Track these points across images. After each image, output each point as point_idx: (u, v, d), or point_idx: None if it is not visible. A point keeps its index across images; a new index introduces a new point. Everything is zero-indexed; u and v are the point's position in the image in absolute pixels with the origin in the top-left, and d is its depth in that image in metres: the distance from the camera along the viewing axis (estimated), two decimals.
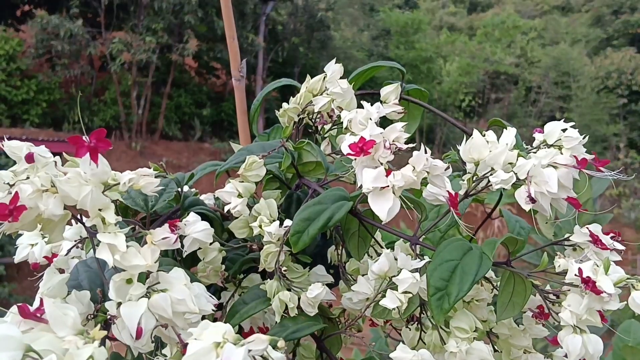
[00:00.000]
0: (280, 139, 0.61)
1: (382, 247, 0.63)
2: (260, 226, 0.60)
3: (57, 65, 13.56)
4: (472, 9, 25.14)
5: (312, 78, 0.83)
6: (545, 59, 16.65)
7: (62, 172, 0.40)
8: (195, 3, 13.00)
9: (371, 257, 0.66)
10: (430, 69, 15.36)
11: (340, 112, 0.67)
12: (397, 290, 0.50)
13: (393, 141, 0.47)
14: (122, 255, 0.39)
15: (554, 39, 19.17)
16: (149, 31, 13.18)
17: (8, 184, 0.39)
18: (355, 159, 0.47)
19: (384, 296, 0.52)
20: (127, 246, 0.40)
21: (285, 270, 0.58)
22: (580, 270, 0.45)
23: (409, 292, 0.50)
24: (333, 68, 0.59)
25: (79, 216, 0.43)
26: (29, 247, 0.68)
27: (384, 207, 0.45)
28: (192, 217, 0.59)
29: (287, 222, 0.60)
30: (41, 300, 0.37)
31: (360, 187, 0.49)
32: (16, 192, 0.38)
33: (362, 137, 0.46)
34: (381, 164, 0.47)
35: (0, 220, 0.38)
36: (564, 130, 0.55)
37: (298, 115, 0.61)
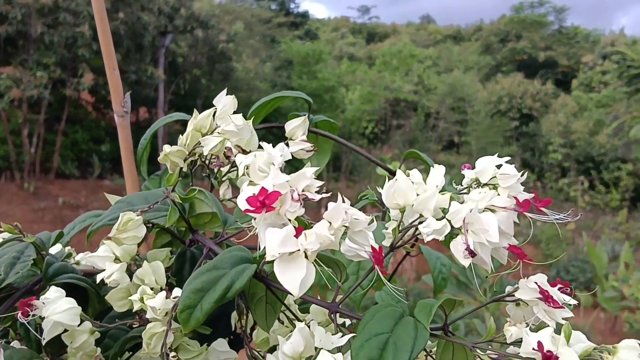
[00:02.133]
0: (166, 188, 0.50)
1: (293, 313, 0.53)
2: (141, 300, 0.48)
3: None
4: (370, 39, 25.92)
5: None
6: (441, 86, 17.33)
7: None
8: (90, 36, 12.51)
9: (282, 322, 0.56)
10: (333, 97, 15.54)
11: (238, 151, 0.57)
12: None
13: (303, 191, 0.37)
14: None
15: (448, 66, 20.02)
16: (39, 66, 12.55)
17: None
18: (255, 217, 0.37)
19: None
20: None
21: (174, 357, 0.46)
22: (540, 344, 0.36)
23: None
24: (224, 101, 0.48)
25: None
26: None
27: (294, 278, 0.35)
28: (53, 292, 0.47)
29: (177, 292, 0.49)
30: None
31: (264, 250, 0.39)
32: None
33: (263, 187, 0.36)
34: (289, 220, 0.37)
35: None
36: (498, 166, 0.47)
37: (185, 160, 0.50)
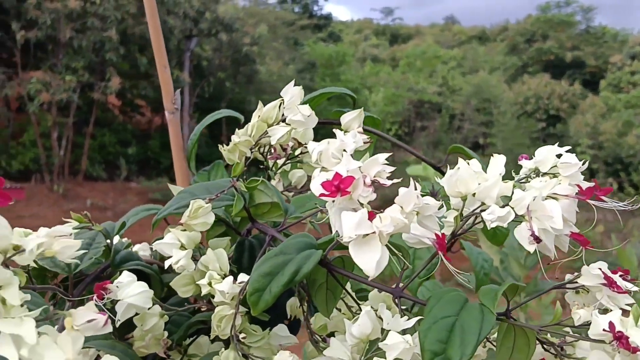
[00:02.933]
0: (230, 177, 0.52)
1: (354, 299, 0.54)
2: (209, 284, 0.50)
3: None
4: (394, 40, 25.87)
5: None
6: (465, 87, 17.23)
7: None
8: (117, 40, 12.70)
9: (339, 310, 0.57)
10: (357, 99, 15.54)
11: (294, 144, 0.58)
12: (384, 357, 0.41)
13: (375, 176, 0.38)
14: (30, 349, 0.28)
15: (473, 67, 19.89)
16: (68, 70, 12.76)
17: None
18: (329, 201, 0.39)
19: None
20: (39, 334, 0.29)
21: (244, 338, 0.48)
22: (611, 324, 0.37)
23: None
24: (291, 92, 0.50)
25: None
26: None
27: (370, 259, 0.37)
28: (126, 277, 0.49)
29: (242, 277, 0.50)
30: None
31: (337, 234, 0.40)
32: None
33: (337, 173, 0.37)
34: (362, 205, 0.38)
35: None
36: (558, 155, 0.48)
37: (251, 150, 0.52)
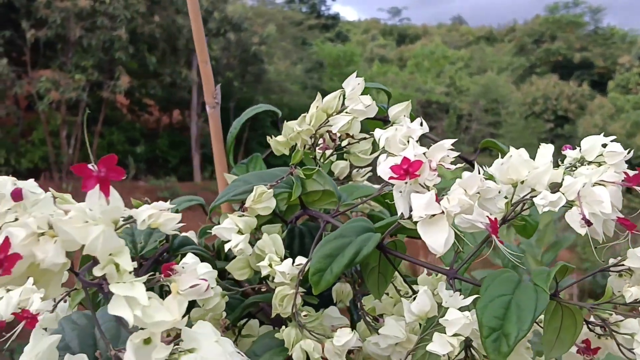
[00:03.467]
0: (290, 166, 0.54)
1: (407, 282, 0.57)
2: (270, 265, 0.52)
3: None
4: (401, 41, 25.87)
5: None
6: (473, 87, 17.23)
7: (62, 209, 0.32)
8: (126, 39, 12.76)
9: (387, 294, 0.60)
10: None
11: (342, 135, 0.61)
12: (444, 332, 0.44)
13: (440, 161, 0.41)
14: (143, 311, 0.31)
15: (480, 67, 19.88)
16: (78, 69, 12.83)
17: None
18: (395, 184, 0.41)
19: (426, 340, 0.45)
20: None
21: (305, 315, 0.50)
22: None
23: (460, 335, 0.43)
24: (353, 83, 0.52)
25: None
26: None
27: (439, 238, 0.39)
28: (190, 258, 0.51)
29: (300, 260, 0.53)
30: None
31: (402, 216, 0.43)
32: (6, 238, 0.30)
33: (405, 157, 0.40)
34: (427, 188, 0.41)
35: None
36: (604, 145, 0.51)
37: (311, 138, 0.55)
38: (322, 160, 0.64)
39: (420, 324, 0.54)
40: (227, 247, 0.55)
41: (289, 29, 19.02)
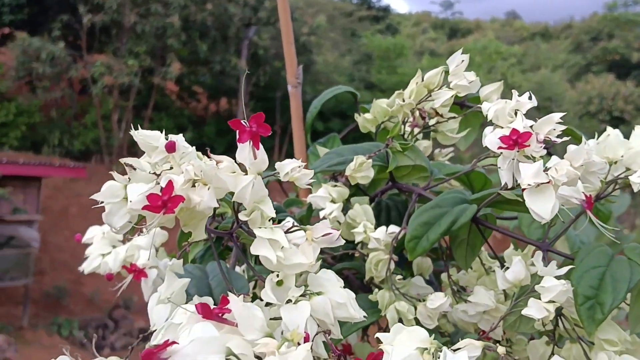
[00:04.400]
0: (380, 141, 0.57)
1: (493, 252, 0.59)
2: (365, 232, 0.55)
3: (38, 88, 13.37)
4: (452, 35, 25.54)
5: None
6: (525, 85, 16.88)
7: (215, 160, 0.35)
8: (179, 26, 12.98)
9: (471, 268, 0.62)
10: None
11: (431, 114, 0.63)
12: (538, 298, 0.46)
13: (547, 134, 0.43)
14: (284, 252, 0.34)
15: (534, 64, 19.47)
16: (131, 54, 13.10)
17: (155, 173, 0.35)
18: (502, 154, 0.43)
19: (519, 306, 0.47)
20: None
21: (400, 279, 0.53)
22: None
23: (555, 302, 0.46)
24: (457, 60, 0.55)
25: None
26: (100, 257, 0.64)
27: (546, 206, 0.42)
28: (288, 223, 0.55)
29: (393, 228, 0.56)
30: (224, 299, 0.32)
31: (504, 187, 0.45)
32: (170, 181, 0.33)
33: (514, 129, 0.42)
34: (534, 159, 0.43)
35: (154, 213, 0.33)
36: None
37: (411, 112, 0.58)
38: (410, 137, 0.67)
39: (505, 295, 0.57)
40: (322, 214, 0.58)
41: (339, 20, 19.01)
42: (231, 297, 0.31)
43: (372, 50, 17.68)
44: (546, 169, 0.42)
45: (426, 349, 0.31)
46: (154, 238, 0.66)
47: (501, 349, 0.37)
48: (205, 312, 0.30)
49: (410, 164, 0.61)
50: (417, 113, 0.63)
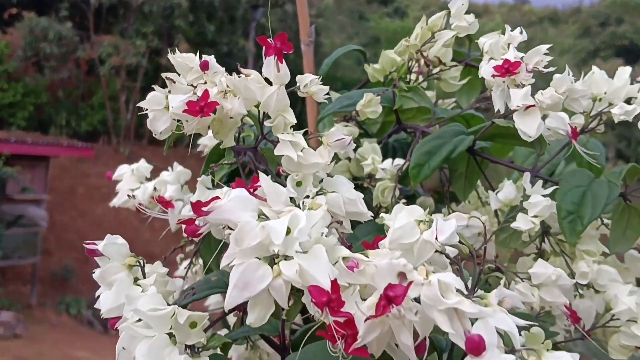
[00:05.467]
0: (395, 79, 0.63)
1: (490, 186, 0.65)
2: (373, 163, 0.61)
3: (45, 68, 13.40)
4: None
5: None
6: None
7: (244, 73, 0.41)
8: (186, 7, 12.98)
9: (469, 201, 0.68)
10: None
11: (435, 62, 0.69)
12: (526, 213, 0.52)
13: (535, 65, 0.48)
14: (304, 152, 0.40)
15: None
16: (138, 35, 13.11)
17: (192, 85, 0.40)
18: (495, 82, 0.49)
19: (509, 222, 0.53)
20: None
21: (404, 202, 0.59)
22: None
23: (541, 216, 0.51)
24: (458, 3, 0.60)
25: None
26: (130, 191, 0.70)
27: (532, 125, 0.47)
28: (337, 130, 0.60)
29: (398, 161, 0.62)
30: (254, 177, 0.38)
31: (497, 114, 0.51)
32: (206, 90, 0.39)
33: (506, 59, 0.48)
34: (523, 86, 0.49)
35: (192, 116, 0.39)
36: None
37: (417, 52, 0.63)
38: (415, 84, 0.72)
39: (498, 222, 0.63)
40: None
41: (347, 3, 18.94)
42: (261, 175, 0.36)
43: (379, 33, 17.62)
44: (533, 95, 0.48)
45: (422, 221, 0.37)
46: (179, 176, 0.72)
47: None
48: (239, 184, 0.36)
49: (415, 106, 0.67)
50: (422, 61, 0.68)
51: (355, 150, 0.68)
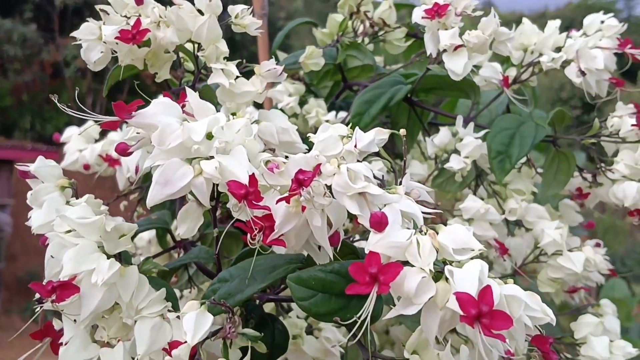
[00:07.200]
0: (337, 34, 0.65)
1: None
2: (317, 115, 0.63)
3: (9, 71, 13.12)
4: None
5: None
6: None
7: (176, 3, 0.42)
8: None
9: (412, 157, 0.70)
10: None
11: (380, 24, 0.71)
12: (459, 154, 0.54)
13: (462, 10, 0.51)
14: (236, 80, 0.42)
15: None
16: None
17: (125, 16, 0.41)
18: (427, 25, 0.51)
19: (444, 165, 0.55)
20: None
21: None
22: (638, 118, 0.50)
23: (471, 156, 0.54)
24: None
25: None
26: (78, 152, 0.70)
27: (460, 64, 0.49)
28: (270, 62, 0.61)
29: (341, 114, 0.63)
30: (182, 93, 0.39)
31: (430, 60, 0.53)
32: (138, 18, 0.40)
33: (436, 2, 0.50)
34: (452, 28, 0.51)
35: (124, 43, 0.40)
36: (602, 22, 0.60)
37: (357, 7, 0.65)
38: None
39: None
40: (280, 106, 0.65)
41: (316, 5, 18.99)
42: (188, 90, 0.37)
43: None
44: (461, 36, 0.50)
45: (345, 136, 0.38)
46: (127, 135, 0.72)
47: None
48: (167, 96, 0.37)
49: (359, 64, 0.69)
50: (367, 23, 0.70)
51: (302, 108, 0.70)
